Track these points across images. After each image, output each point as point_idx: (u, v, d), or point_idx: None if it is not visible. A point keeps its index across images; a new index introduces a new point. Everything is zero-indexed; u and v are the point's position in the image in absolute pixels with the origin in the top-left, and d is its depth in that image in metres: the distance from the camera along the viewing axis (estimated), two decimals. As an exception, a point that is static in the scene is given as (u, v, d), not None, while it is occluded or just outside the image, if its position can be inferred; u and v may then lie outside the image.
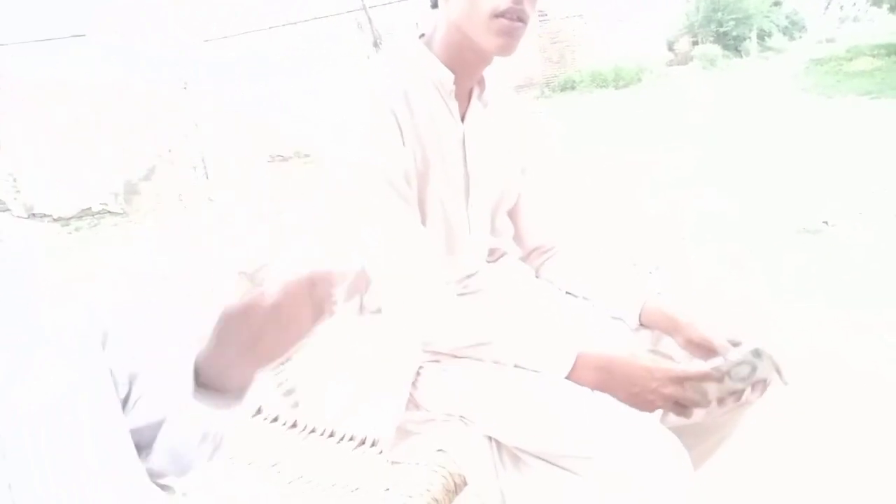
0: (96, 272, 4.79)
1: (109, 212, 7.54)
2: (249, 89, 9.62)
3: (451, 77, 1.10)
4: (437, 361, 1.11)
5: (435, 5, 1.10)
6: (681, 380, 0.98)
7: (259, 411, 1.35)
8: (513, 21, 1.03)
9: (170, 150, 7.83)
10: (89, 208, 7.57)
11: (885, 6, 17.23)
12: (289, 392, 1.52)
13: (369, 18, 9.55)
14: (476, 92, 1.17)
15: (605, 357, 1.01)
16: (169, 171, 7.78)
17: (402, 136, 1.05)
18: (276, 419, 1.32)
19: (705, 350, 1.11)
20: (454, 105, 1.13)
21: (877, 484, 1.58)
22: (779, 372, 1.04)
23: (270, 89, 9.77)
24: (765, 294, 2.81)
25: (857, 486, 1.58)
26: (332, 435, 1.22)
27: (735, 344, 1.08)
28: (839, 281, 2.86)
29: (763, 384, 1.05)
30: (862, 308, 2.51)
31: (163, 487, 0.77)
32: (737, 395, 1.01)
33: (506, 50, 1.05)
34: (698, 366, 0.99)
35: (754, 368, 1.01)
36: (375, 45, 9.29)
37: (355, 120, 1.06)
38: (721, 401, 1.00)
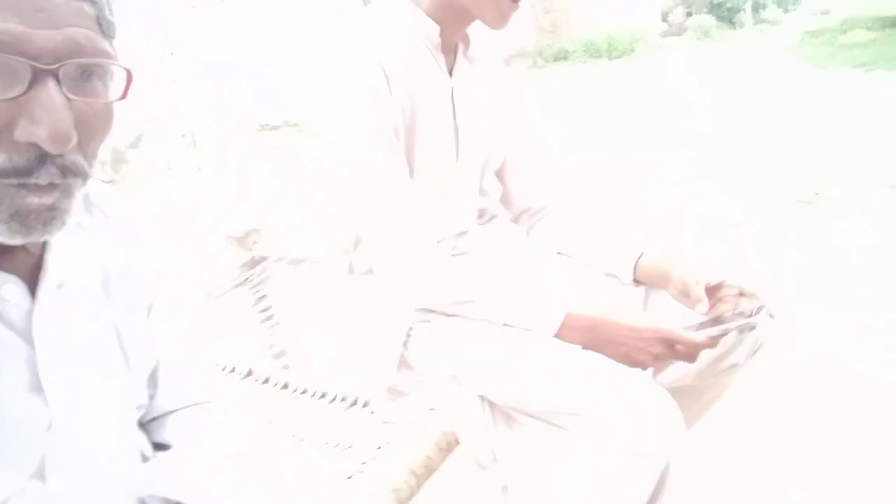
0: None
1: (98, 180, 7.44)
2: (238, 56, 9.47)
3: (436, 29, 1.08)
4: (427, 322, 1.10)
5: None
6: (670, 341, 0.98)
7: (250, 373, 1.35)
8: (515, 2, 1.02)
9: (157, 118, 7.73)
10: (76, 177, 7.46)
11: (881, -23, 17.09)
12: (279, 354, 1.52)
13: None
14: (461, 48, 1.16)
15: (594, 317, 1.01)
16: (157, 139, 7.68)
17: (389, 88, 1.04)
18: (266, 380, 1.32)
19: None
20: (441, 59, 1.12)
21: (872, 481, 1.58)
22: (771, 315, 1.03)
23: (260, 54, 9.62)
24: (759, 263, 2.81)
25: (853, 484, 1.59)
26: (323, 396, 1.22)
27: (726, 286, 1.08)
28: (834, 256, 2.87)
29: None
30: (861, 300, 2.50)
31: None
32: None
33: (501, 26, 1.05)
34: (690, 333, 0.99)
35: (750, 329, 1.01)
36: (364, 2, 9.13)
37: (343, 73, 1.05)
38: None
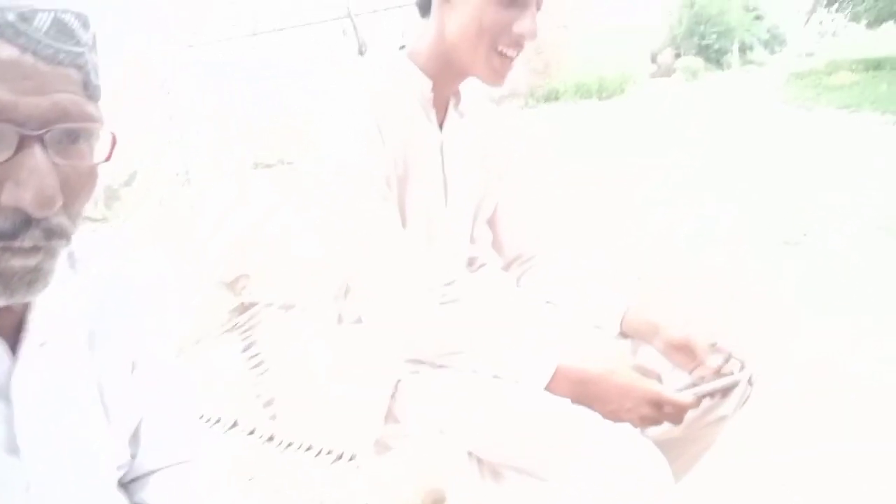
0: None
1: (89, 217, 7.46)
2: (234, 95, 9.56)
3: (429, 85, 1.10)
4: (416, 373, 1.10)
5: (425, 14, 1.10)
6: (658, 402, 0.98)
7: (235, 424, 1.34)
8: (512, 58, 1.05)
9: (152, 156, 7.76)
10: (69, 214, 7.45)
11: (863, 22, 17.54)
12: (267, 403, 1.50)
13: (354, 26, 9.55)
14: (453, 102, 1.18)
15: (584, 371, 1.01)
16: (151, 176, 7.71)
17: (382, 139, 1.05)
18: (252, 432, 1.30)
19: (685, 354, 1.11)
20: (432, 113, 1.14)
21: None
22: (750, 382, 1.04)
23: (255, 95, 9.72)
24: (750, 303, 2.82)
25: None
26: (309, 448, 1.21)
27: (713, 346, 1.09)
28: (820, 291, 2.88)
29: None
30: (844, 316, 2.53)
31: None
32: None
33: (497, 83, 1.08)
34: (678, 395, 0.99)
35: (734, 386, 1.02)
36: (360, 52, 9.28)
37: (338, 123, 1.06)
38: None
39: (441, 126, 1.16)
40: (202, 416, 1.33)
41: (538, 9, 1.05)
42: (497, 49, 1.04)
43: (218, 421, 1.34)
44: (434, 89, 1.11)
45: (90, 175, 0.60)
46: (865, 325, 2.50)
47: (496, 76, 1.07)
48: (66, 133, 0.56)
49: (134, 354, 0.75)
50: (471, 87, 1.20)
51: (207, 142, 8.54)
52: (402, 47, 1.15)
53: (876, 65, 13.87)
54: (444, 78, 1.12)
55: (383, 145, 1.05)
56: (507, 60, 1.05)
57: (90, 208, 0.66)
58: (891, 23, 16.99)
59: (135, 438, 0.77)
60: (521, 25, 1.03)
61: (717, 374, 1.07)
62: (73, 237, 0.60)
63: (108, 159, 0.61)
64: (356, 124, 1.04)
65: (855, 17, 17.65)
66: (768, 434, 1.79)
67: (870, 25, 17.47)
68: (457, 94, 1.19)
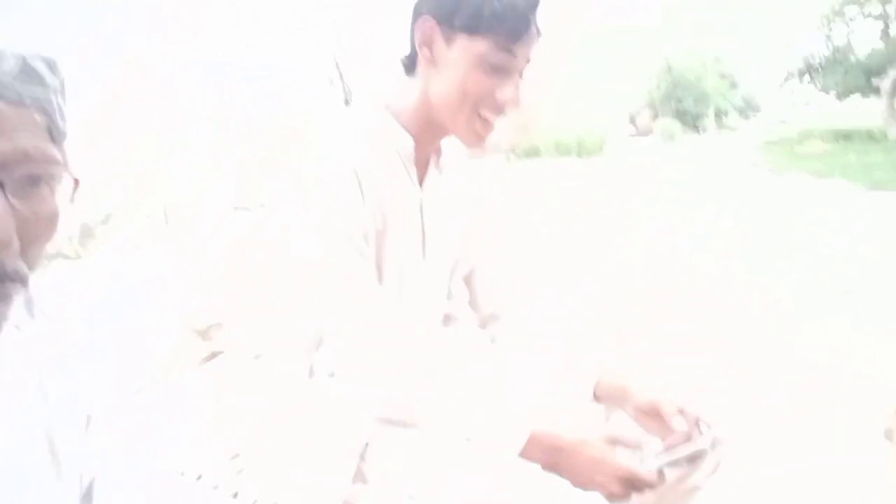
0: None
1: (62, 254, 7.34)
2: (215, 136, 9.59)
3: (411, 144, 1.12)
4: (387, 432, 1.08)
5: (410, 73, 1.13)
6: (628, 480, 0.97)
7: (199, 478, 1.30)
8: (493, 122, 1.07)
9: (130, 195, 7.71)
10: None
11: (833, 93, 18.27)
12: (233, 457, 1.46)
13: (341, 75, 9.70)
14: (433, 158, 1.19)
15: (557, 439, 1.00)
16: (128, 215, 7.64)
17: (362, 195, 1.06)
18: (216, 487, 1.26)
19: (655, 420, 1.11)
20: (413, 171, 1.15)
21: None
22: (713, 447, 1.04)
23: (239, 140, 9.75)
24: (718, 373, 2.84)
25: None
26: (274, 506, 1.17)
27: (682, 412, 1.08)
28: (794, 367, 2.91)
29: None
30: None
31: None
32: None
33: (477, 146, 1.10)
34: (648, 474, 0.99)
35: (703, 456, 1.02)
36: (346, 101, 9.41)
37: (319, 177, 1.06)
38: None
39: (421, 182, 1.17)
40: (164, 469, 1.29)
41: (521, 77, 1.08)
42: (479, 113, 1.06)
43: (181, 474, 1.30)
44: (416, 147, 1.13)
45: (50, 219, 0.59)
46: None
47: (476, 139, 1.09)
48: (26, 176, 0.56)
49: (90, 407, 0.73)
50: (451, 144, 1.21)
51: (186, 184, 8.51)
52: (387, 104, 1.16)
53: (846, 135, 14.40)
54: (426, 136, 1.13)
55: (363, 200, 1.06)
56: (488, 125, 1.08)
57: (64, 245, 0.65)
58: (858, 96, 17.73)
59: (87, 498, 0.74)
60: (503, 93, 1.05)
61: (688, 440, 1.06)
62: (32, 282, 0.59)
63: (70, 203, 0.61)
64: (338, 178, 1.05)
65: (825, 89, 18.38)
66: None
67: (839, 97, 18.18)
68: (437, 151, 1.20)
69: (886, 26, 16.84)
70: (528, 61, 1.08)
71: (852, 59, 17.51)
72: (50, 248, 0.60)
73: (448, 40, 1.04)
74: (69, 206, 0.60)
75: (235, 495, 1.22)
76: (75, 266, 6.76)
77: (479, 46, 1.02)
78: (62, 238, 7.22)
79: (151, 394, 1.50)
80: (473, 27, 1.01)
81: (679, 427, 1.06)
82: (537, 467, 0.98)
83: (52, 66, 0.60)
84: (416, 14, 1.07)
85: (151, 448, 1.24)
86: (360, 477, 1.09)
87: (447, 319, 1.31)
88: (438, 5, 1.03)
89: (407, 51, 1.12)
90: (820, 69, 18.25)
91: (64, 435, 0.68)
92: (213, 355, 1.70)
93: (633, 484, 0.98)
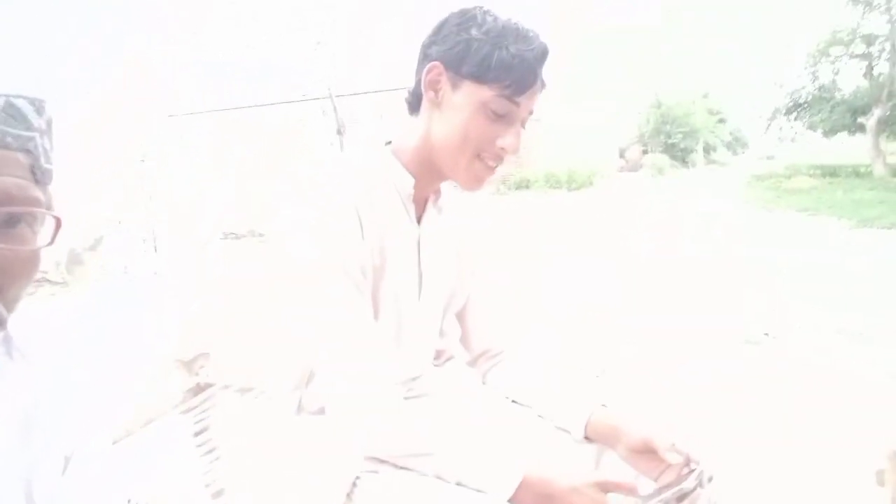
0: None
1: (49, 280, 7.27)
2: (210, 167, 9.62)
3: (411, 182, 1.12)
4: (375, 472, 1.06)
5: (414, 112, 1.13)
6: None
7: (181, 516, 1.26)
8: (493, 168, 1.08)
9: (120, 222, 7.69)
10: (28, 275, 7.25)
11: (819, 130, 18.59)
12: (217, 494, 1.43)
13: (335, 107, 9.78)
14: (432, 198, 1.19)
15: (549, 484, 0.98)
16: (116, 241, 7.61)
17: (361, 230, 1.06)
18: (199, 525, 1.23)
19: (647, 460, 1.09)
20: (412, 209, 1.15)
21: None
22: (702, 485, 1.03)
23: (232, 168, 9.78)
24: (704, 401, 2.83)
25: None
26: (258, 547, 1.14)
27: (673, 448, 1.07)
28: (781, 390, 2.91)
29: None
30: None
31: None
32: None
33: (476, 189, 1.10)
34: None
35: (689, 493, 1.01)
36: (339, 132, 9.47)
37: (319, 211, 1.06)
38: None
39: (419, 220, 1.17)
40: (146, 507, 1.25)
41: (523, 126, 1.09)
42: (479, 157, 1.07)
43: (162, 513, 1.27)
44: (416, 186, 1.13)
45: (30, 260, 0.59)
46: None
47: (475, 182, 1.09)
48: (6, 216, 0.55)
49: (68, 449, 0.71)
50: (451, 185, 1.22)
51: (177, 210, 8.51)
52: (389, 143, 1.17)
53: (832, 172, 14.62)
54: (426, 177, 1.14)
55: (362, 236, 1.06)
56: (488, 169, 1.08)
57: (51, 271, 0.64)
58: (844, 134, 18.05)
59: None
60: (504, 140, 1.06)
61: (679, 478, 1.05)
62: (11, 322, 0.58)
63: (51, 244, 0.60)
64: (338, 213, 1.05)
65: (812, 126, 18.71)
66: None
67: (826, 135, 18.51)
68: (437, 191, 1.21)
69: (871, 66, 17.22)
70: (530, 112, 1.09)
71: (838, 96, 17.87)
72: (35, 273, 0.59)
73: (454, 85, 1.05)
74: (50, 247, 0.59)
75: (218, 535, 1.19)
76: (60, 293, 6.70)
77: (484, 94, 1.03)
78: (49, 263, 7.15)
79: (138, 431, 1.47)
80: (481, 75, 1.02)
81: (674, 461, 1.05)
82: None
83: (38, 106, 0.59)
84: (424, 55, 1.08)
85: (130, 487, 1.21)
86: (346, 518, 1.06)
87: (438, 356, 1.30)
88: (447, 51, 1.04)
89: (406, 53, 1.13)
90: (807, 106, 18.60)
91: (41, 477, 0.67)
92: (199, 387, 1.67)
93: None
